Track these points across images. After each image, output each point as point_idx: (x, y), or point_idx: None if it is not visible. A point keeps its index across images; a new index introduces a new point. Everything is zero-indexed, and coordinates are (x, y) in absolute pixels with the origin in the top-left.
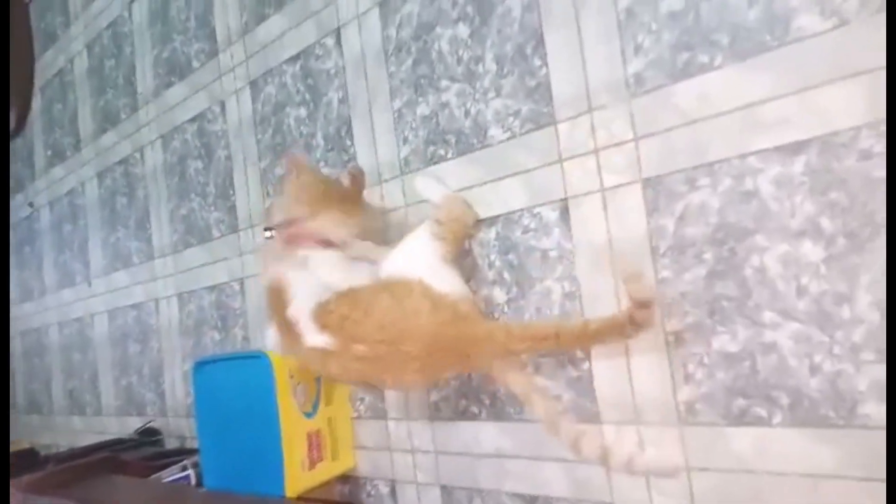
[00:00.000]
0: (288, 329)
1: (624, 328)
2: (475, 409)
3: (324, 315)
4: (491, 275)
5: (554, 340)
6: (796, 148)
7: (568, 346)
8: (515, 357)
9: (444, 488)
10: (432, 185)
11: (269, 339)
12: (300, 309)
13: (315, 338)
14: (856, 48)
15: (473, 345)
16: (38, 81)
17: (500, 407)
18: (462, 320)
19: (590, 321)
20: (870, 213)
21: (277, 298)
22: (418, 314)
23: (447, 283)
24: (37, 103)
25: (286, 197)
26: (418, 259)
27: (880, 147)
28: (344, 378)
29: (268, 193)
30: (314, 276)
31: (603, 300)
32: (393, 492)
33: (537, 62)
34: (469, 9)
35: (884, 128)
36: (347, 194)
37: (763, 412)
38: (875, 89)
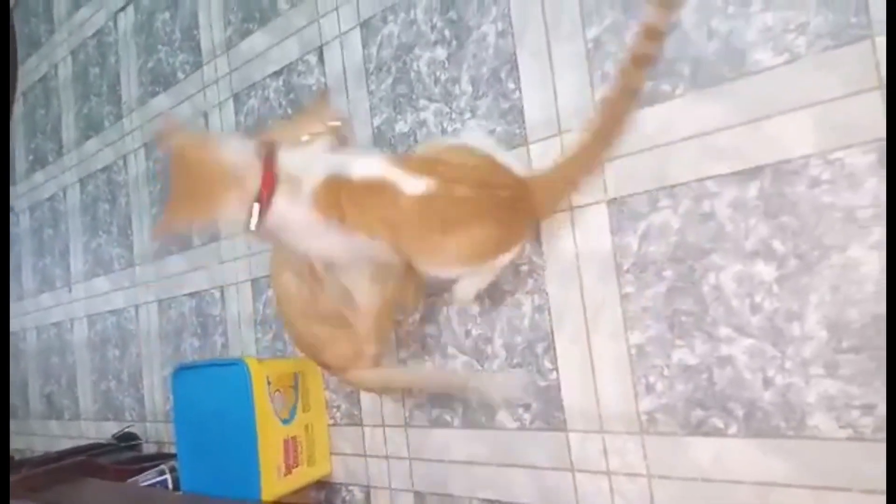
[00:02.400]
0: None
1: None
2: (448, 417)
3: (413, 162)
4: None
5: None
6: (751, 174)
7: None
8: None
9: (417, 494)
10: (485, 139)
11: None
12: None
13: (412, 184)
14: (806, 82)
15: (533, 192)
16: (21, 86)
17: (471, 415)
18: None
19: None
20: (818, 237)
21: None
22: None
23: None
24: (19, 108)
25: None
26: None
27: (828, 174)
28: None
29: None
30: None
31: (571, 313)
32: (368, 497)
33: (511, 85)
34: (447, 32)
35: (833, 156)
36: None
37: (720, 423)
38: (823, 120)
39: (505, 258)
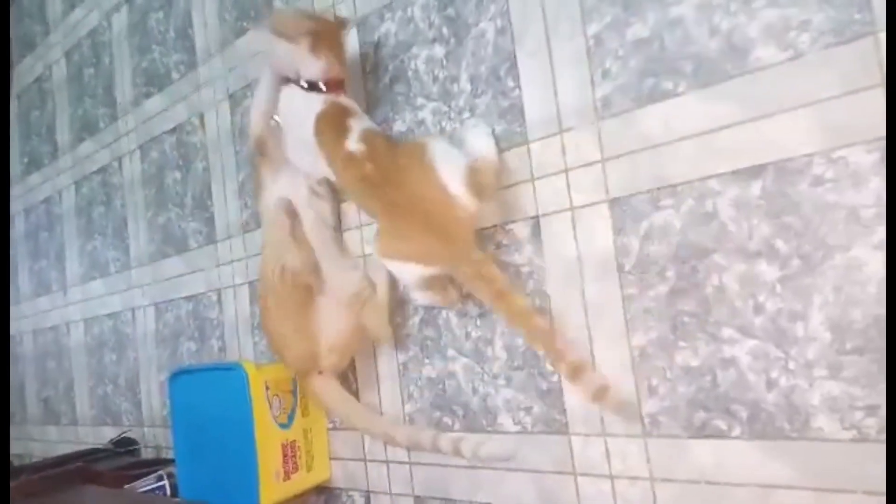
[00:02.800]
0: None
1: (555, 355)
2: (448, 421)
3: (367, 132)
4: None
5: (503, 299)
6: (753, 172)
7: (508, 314)
8: (462, 269)
9: (417, 499)
10: (485, 137)
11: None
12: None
13: (353, 144)
14: (809, 79)
15: (446, 242)
16: (15, 88)
17: (472, 418)
18: (454, 226)
19: (533, 318)
20: (822, 236)
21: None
22: (421, 182)
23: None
24: (14, 110)
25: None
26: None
27: (832, 173)
28: (348, 193)
29: (246, 205)
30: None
31: (571, 314)
32: (368, 502)
33: (510, 83)
34: (445, 30)
35: (836, 154)
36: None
37: (723, 425)
38: (826, 118)
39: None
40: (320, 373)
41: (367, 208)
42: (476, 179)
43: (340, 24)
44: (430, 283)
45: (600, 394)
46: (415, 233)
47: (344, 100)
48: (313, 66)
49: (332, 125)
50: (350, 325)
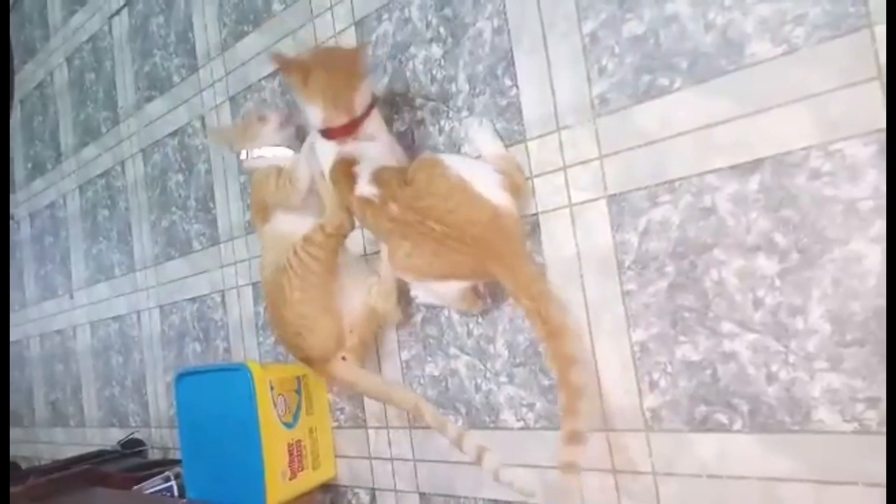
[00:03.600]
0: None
1: (569, 412)
2: (452, 417)
3: (378, 173)
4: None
5: (553, 340)
6: (751, 167)
7: (551, 355)
8: (521, 301)
9: (422, 496)
10: (489, 134)
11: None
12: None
13: (364, 188)
14: (805, 73)
15: (501, 262)
16: (18, 94)
17: (475, 415)
18: (505, 237)
19: (573, 364)
20: (820, 230)
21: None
22: (463, 204)
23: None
24: (16, 116)
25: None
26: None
27: (829, 166)
28: (376, 233)
29: (248, 207)
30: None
31: (573, 311)
32: (373, 499)
33: (508, 82)
34: (442, 30)
35: (833, 147)
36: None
37: (724, 419)
38: (823, 112)
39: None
40: (343, 358)
41: (404, 245)
42: (510, 181)
43: (342, 55)
44: (464, 294)
45: (568, 468)
46: (465, 257)
47: (349, 146)
48: (312, 114)
49: (342, 175)
50: (363, 306)
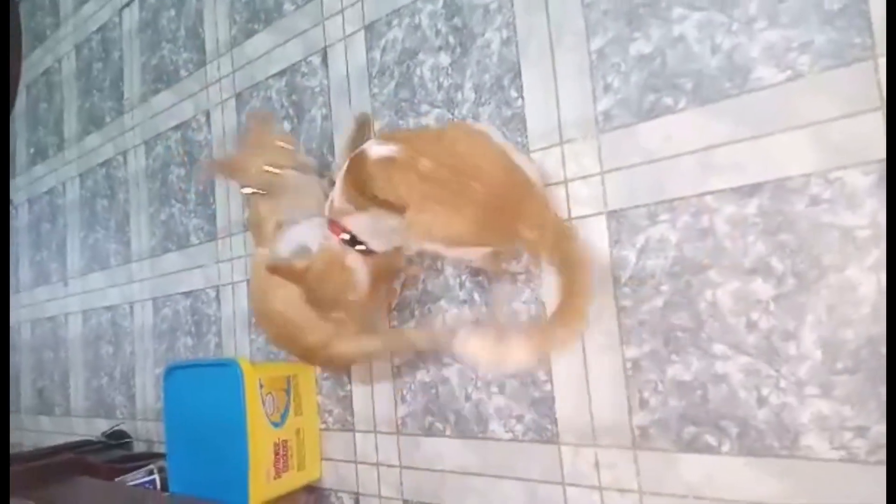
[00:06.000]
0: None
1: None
2: (440, 426)
3: (390, 135)
4: (461, 294)
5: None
6: (750, 190)
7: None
8: (551, 255)
9: (406, 503)
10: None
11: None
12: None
13: (379, 148)
14: (808, 100)
15: (530, 220)
16: (24, 80)
17: (464, 424)
18: (531, 195)
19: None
20: (817, 256)
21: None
22: (496, 161)
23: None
24: (22, 101)
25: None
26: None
27: (828, 194)
28: (406, 196)
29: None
30: None
31: None
32: None
33: (514, 94)
34: (451, 38)
35: (833, 175)
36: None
37: (713, 440)
38: (824, 139)
39: (478, 252)
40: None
41: (438, 212)
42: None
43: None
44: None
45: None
46: (504, 220)
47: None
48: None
49: (352, 171)
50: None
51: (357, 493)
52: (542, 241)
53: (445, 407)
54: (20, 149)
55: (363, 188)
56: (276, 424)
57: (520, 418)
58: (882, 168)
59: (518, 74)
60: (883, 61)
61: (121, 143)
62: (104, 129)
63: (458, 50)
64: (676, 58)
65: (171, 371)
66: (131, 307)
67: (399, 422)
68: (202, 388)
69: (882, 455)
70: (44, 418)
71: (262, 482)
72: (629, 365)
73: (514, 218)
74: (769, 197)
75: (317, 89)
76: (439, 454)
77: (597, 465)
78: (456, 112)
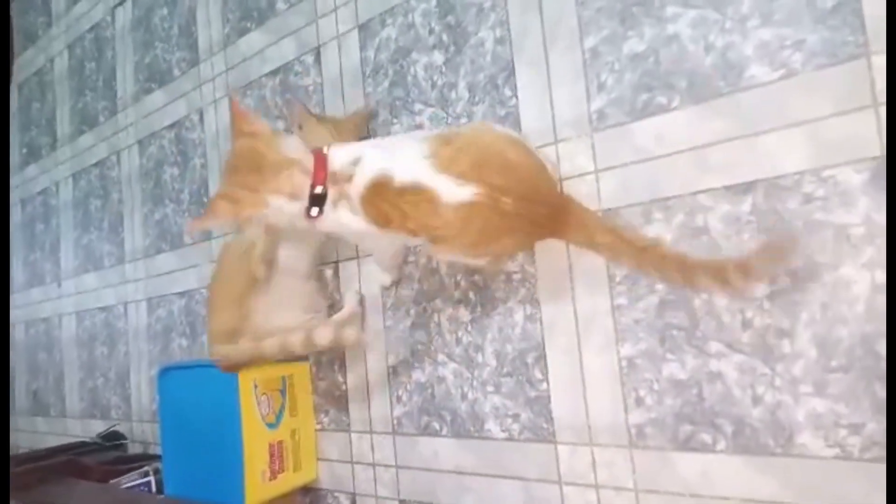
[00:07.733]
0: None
1: (726, 277)
2: (437, 426)
3: (452, 164)
4: (457, 294)
5: (638, 251)
6: (744, 189)
7: (651, 265)
8: (597, 248)
9: (403, 502)
10: None
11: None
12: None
13: (456, 192)
14: (801, 98)
15: (567, 215)
16: (16, 79)
17: (460, 424)
18: (558, 193)
19: (688, 257)
20: (810, 254)
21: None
22: (539, 171)
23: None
24: (14, 101)
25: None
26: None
27: (822, 192)
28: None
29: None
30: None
31: (563, 323)
32: None
33: (508, 92)
34: (445, 37)
35: (826, 173)
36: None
37: (708, 438)
38: (817, 137)
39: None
40: None
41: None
42: None
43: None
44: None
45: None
46: (535, 230)
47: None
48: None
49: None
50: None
51: (353, 494)
52: (591, 242)
53: (441, 406)
54: (13, 149)
55: (387, 219)
56: (271, 425)
57: (516, 417)
58: (875, 166)
59: (512, 73)
60: (876, 59)
61: (114, 143)
62: (97, 129)
63: (452, 48)
64: (670, 56)
65: (166, 372)
66: (125, 308)
67: (395, 422)
68: (197, 389)
69: (876, 452)
70: (39, 420)
71: (257, 483)
72: (625, 364)
73: (552, 230)
74: (763, 195)
75: (311, 88)
76: (436, 454)
77: (593, 463)
78: (450, 110)
